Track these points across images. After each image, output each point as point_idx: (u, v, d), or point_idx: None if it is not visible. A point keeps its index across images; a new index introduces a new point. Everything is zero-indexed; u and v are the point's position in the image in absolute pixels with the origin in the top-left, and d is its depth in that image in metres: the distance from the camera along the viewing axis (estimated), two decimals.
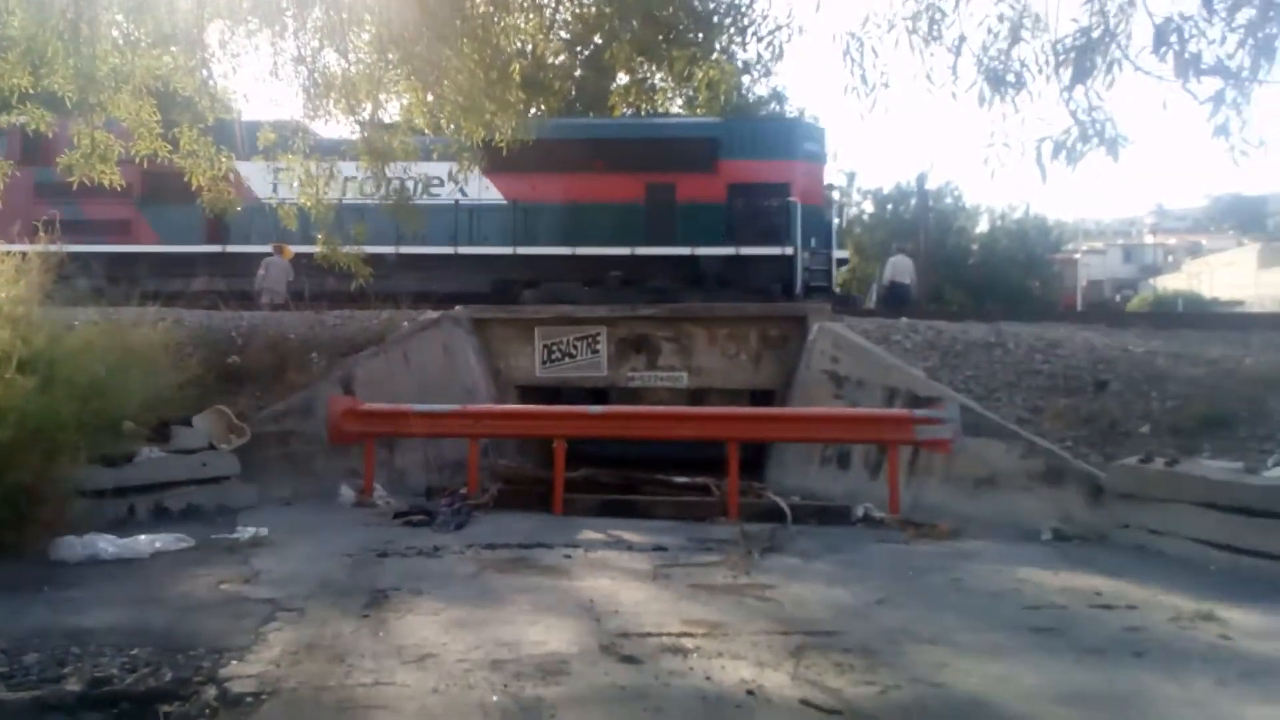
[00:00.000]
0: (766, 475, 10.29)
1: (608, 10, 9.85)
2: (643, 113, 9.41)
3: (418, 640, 4.63)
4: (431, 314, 11.73)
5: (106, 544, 6.36)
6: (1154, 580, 6.10)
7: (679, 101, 16.07)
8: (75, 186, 9.94)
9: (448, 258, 17.45)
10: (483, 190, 17.35)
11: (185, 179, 10.35)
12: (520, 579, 6.08)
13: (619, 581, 6.04)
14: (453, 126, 9.45)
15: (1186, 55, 4.53)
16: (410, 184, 10.38)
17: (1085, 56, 4.75)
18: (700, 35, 7.70)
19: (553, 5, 10.51)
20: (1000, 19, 5.21)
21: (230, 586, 5.71)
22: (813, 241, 17.47)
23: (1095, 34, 4.76)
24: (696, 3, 8.60)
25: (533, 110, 12.36)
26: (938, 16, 5.47)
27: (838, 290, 19.05)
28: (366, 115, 10.05)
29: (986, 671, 4.33)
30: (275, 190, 15.12)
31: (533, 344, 11.94)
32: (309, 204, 10.36)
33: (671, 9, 7.66)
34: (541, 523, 8.10)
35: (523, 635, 4.76)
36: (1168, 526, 6.97)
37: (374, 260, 16.81)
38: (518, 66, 8.24)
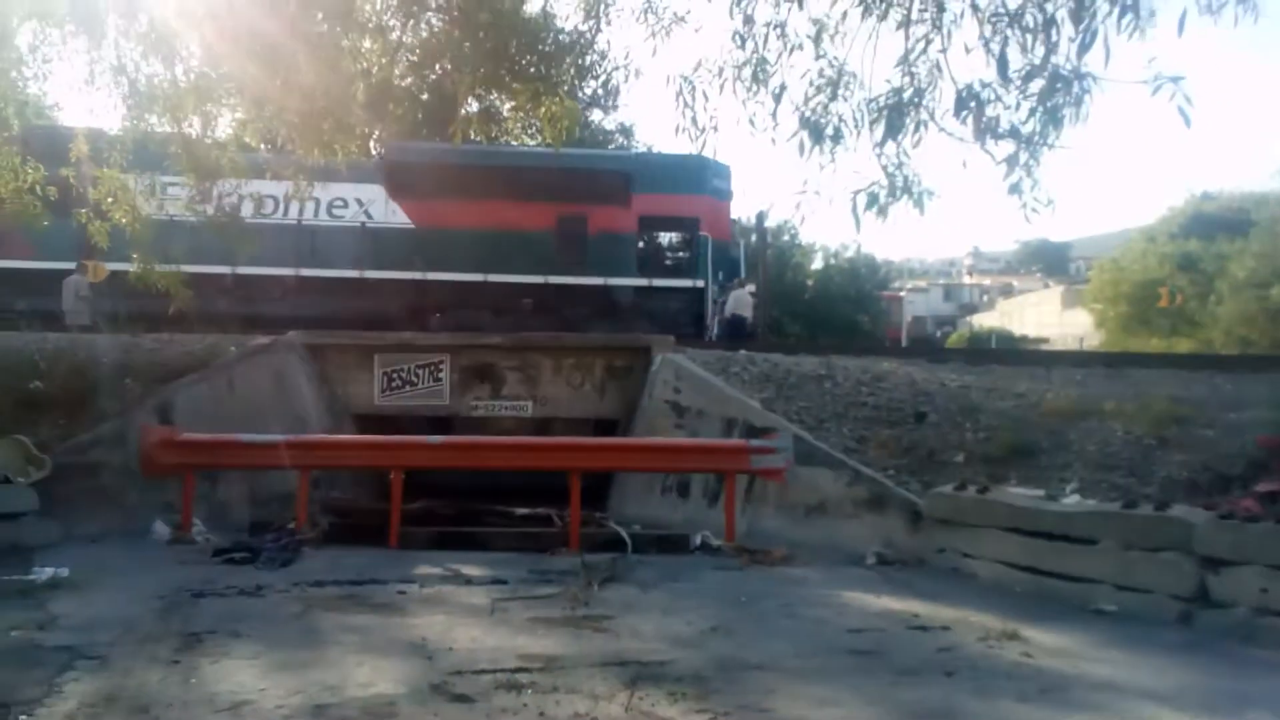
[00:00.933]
0: (609, 504, 10.33)
1: (456, 35, 9.78)
2: (486, 141, 9.41)
3: (232, 686, 4.37)
4: (262, 339, 11.21)
5: None
6: (966, 602, 6.49)
7: (527, 133, 16.12)
8: None
9: (353, 282, 16.84)
10: (390, 214, 17.03)
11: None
12: (349, 618, 5.86)
13: (455, 617, 5.91)
14: (287, 145, 9.13)
15: (984, 119, 4.94)
16: (243, 202, 9.96)
17: (896, 115, 5.09)
18: (543, 68, 7.78)
19: (399, 28, 10.34)
20: (820, 74, 5.51)
21: (22, 634, 5.23)
22: (720, 275, 17.93)
23: (906, 95, 5.11)
24: (543, 35, 8.68)
25: (375, 133, 12.11)
26: (764, 67, 5.73)
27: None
28: (196, 130, 9.57)
29: (811, 695, 4.48)
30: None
31: (372, 371, 11.58)
32: (125, 220, 9.73)
33: (515, 43, 7.70)
34: (376, 558, 7.83)
35: (349, 677, 4.58)
36: (979, 550, 7.45)
37: (273, 283, 16.22)
38: (360, 87, 8.06)
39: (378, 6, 9.06)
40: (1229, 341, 23.61)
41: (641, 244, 18.04)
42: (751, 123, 5.94)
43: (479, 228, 17.20)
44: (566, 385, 11.78)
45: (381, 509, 8.93)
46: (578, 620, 5.89)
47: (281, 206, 16.06)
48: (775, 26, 5.82)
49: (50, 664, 4.65)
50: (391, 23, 9.56)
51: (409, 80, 16.54)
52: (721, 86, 5.96)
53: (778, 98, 5.56)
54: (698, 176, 18.22)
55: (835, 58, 5.53)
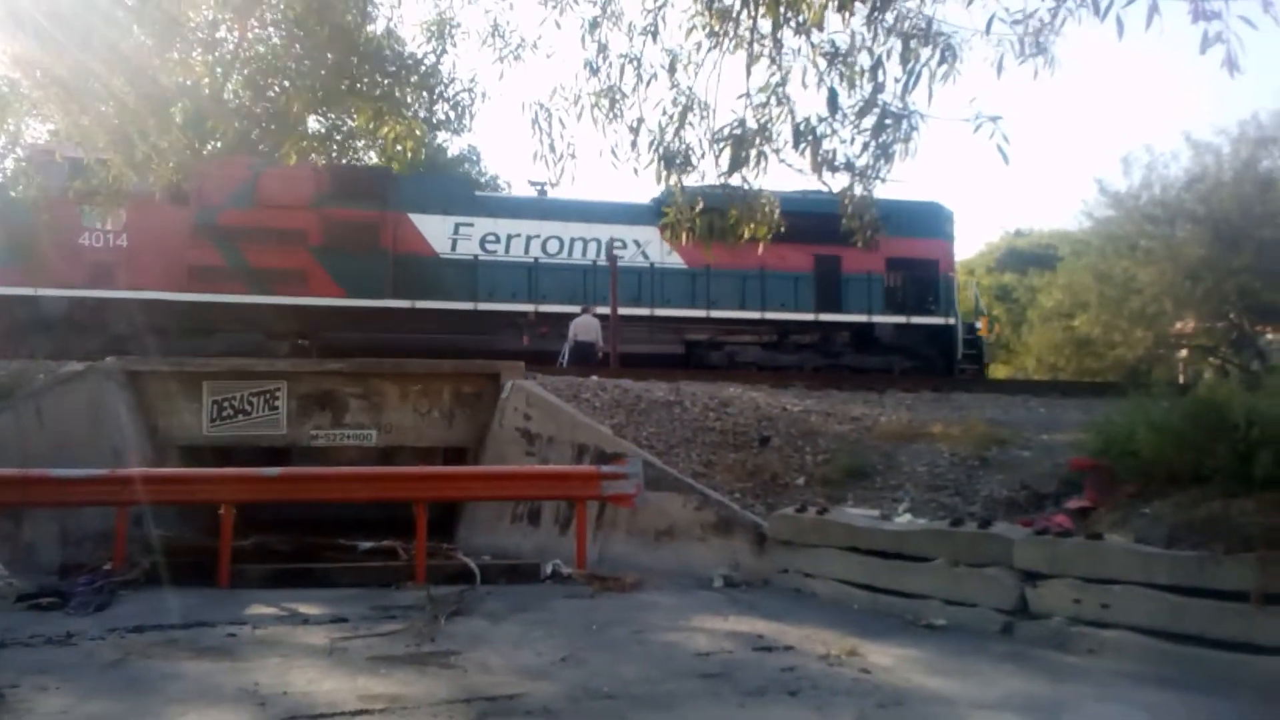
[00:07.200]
0: (458, 535, 10.09)
1: (296, 49, 9.43)
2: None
3: None
4: (75, 365, 10.40)
5: None
6: (808, 621, 6.68)
7: (372, 154, 15.78)
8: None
9: (641, 319, 17.84)
10: (665, 255, 18.11)
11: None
12: (173, 664, 5.46)
13: (290, 659, 5.60)
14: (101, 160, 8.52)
15: (821, 152, 5.17)
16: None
17: (740, 146, 5.26)
18: (387, 87, 7.61)
19: (233, 42, 9.87)
20: (674, 102, 5.64)
21: None
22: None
23: (749, 126, 5.29)
24: (387, 54, 8.48)
25: (207, 150, 11.50)
26: (619, 97, 5.81)
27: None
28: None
29: None
30: (454, 247, 16.32)
31: (201, 400, 10.92)
32: None
33: (357, 60, 7.50)
34: (204, 599, 7.36)
35: None
36: (819, 570, 7.70)
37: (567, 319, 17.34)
38: (181, 105, 7.61)
39: (210, 18, 8.62)
40: (1040, 368, 25.46)
41: (890, 283, 19.27)
42: (614, 153, 6.03)
43: (745, 268, 17.99)
44: (413, 412, 11.45)
45: (210, 546, 8.40)
46: (423, 657, 5.70)
47: (567, 247, 17.66)
48: (631, 60, 5.92)
49: None
50: (225, 36, 9.12)
51: (242, 97, 15.83)
52: (579, 114, 6.00)
53: (635, 129, 5.65)
54: (934, 221, 19.56)
55: (688, 87, 5.66)
